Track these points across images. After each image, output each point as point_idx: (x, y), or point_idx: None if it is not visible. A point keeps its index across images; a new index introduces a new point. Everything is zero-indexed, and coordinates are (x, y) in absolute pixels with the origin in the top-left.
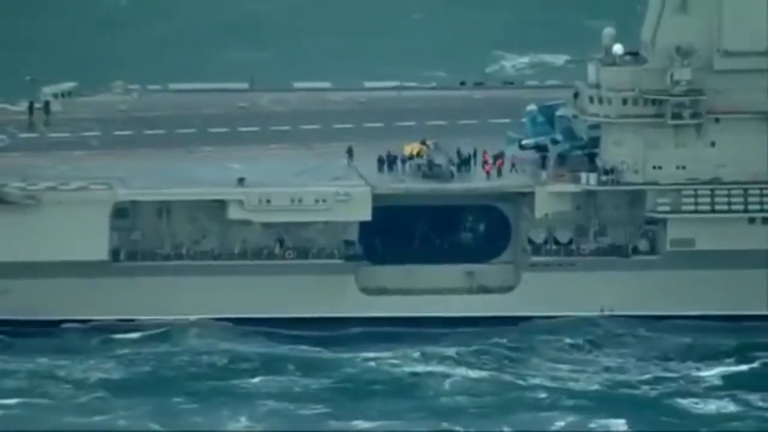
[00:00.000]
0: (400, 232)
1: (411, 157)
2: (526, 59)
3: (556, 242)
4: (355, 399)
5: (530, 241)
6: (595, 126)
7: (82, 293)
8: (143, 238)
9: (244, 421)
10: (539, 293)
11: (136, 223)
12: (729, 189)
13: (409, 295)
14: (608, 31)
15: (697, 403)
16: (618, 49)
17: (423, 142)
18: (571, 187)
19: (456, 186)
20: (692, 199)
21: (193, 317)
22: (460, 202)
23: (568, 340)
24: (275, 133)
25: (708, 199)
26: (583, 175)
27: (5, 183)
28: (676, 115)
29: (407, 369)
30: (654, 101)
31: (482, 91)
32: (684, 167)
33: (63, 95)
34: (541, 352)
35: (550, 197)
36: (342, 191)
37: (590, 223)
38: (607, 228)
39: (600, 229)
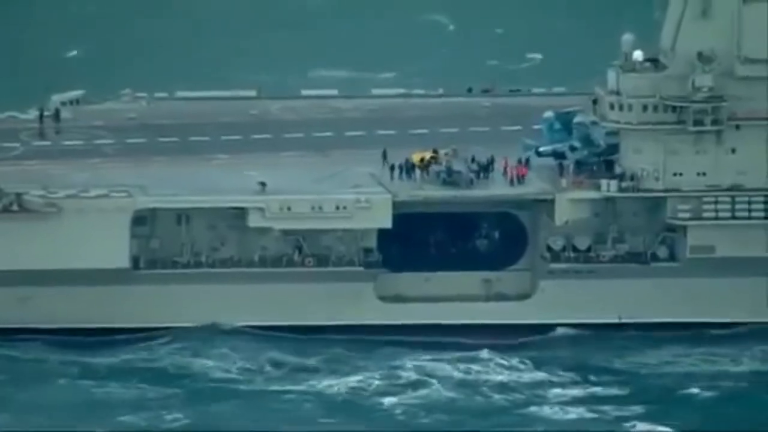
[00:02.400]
0: (416, 240)
1: (422, 165)
2: None
3: (575, 249)
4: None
5: (549, 248)
6: (613, 133)
7: (102, 301)
8: (162, 245)
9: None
10: (557, 300)
11: (155, 230)
12: (749, 196)
13: (427, 303)
14: (627, 37)
15: None
16: (638, 55)
17: (435, 151)
18: (592, 194)
19: (477, 193)
20: (713, 206)
21: (212, 324)
22: (476, 209)
23: None
24: (289, 140)
25: (728, 206)
26: (604, 182)
27: (25, 191)
28: (697, 122)
29: None
30: (675, 108)
31: (490, 99)
32: (704, 174)
33: (72, 103)
34: None
35: (570, 204)
36: (363, 198)
37: (609, 229)
38: (625, 235)
39: (618, 236)
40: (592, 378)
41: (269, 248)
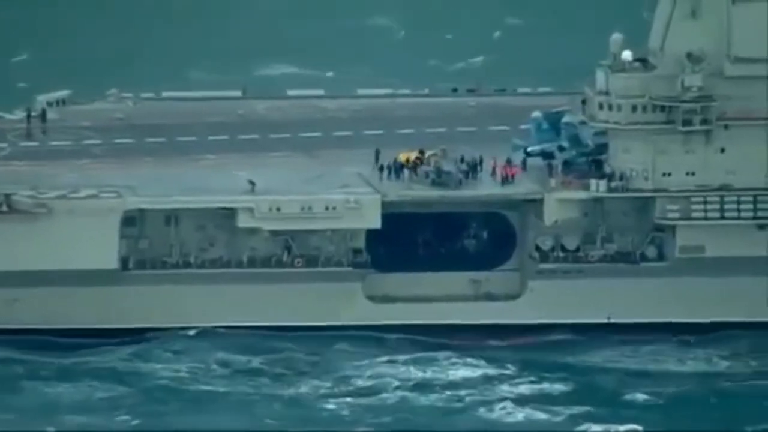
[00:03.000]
0: (405, 240)
1: (408, 165)
2: None
3: (564, 249)
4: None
5: (537, 248)
6: (601, 132)
7: (91, 302)
8: (151, 246)
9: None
10: (546, 301)
11: (143, 231)
12: (738, 196)
13: (415, 303)
14: (616, 37)
15: None
16: (627, 55)
17: (421, 151)
18: (581, 194)
19: (466, 193)
20: (702, 206)
21: (202, 325)
22: (464, 210)
23: None
24: (276, 140)
25: (717, 206)
26: (593, 182)
27: (14, 191)
28: (687, 122)
29: None
30: (663, 108)
31: (475, 98)
32: (693, 174)
33: (58, 103)
34: None
35: (559, 204)
36: (352, 199)
37: (597, 229)
38: (614, 235)
39: (607, 235)
40: (546, 376)
41: (258, 249)
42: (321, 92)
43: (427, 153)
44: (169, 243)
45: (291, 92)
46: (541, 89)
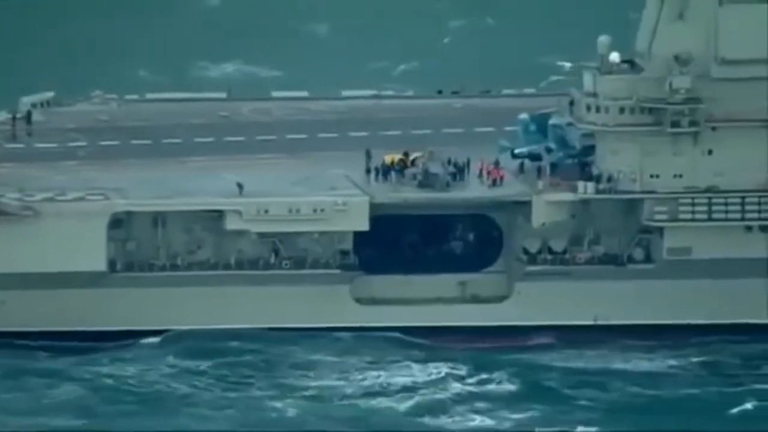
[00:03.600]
0: (392, 241)
1: (394, 167)
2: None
3: (551, 251)
4: None
5: (525, 251)
6: (588, 134)
7: (79, 304)
8: (138, 248)
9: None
10: (533, 303)
11: (131, 233)
12: (726, 197)
13: (403, 305)
14: (603, 39)
15: None
16: (615, 57)
17: (405, 154)
18: (569, 196)
19: (455, 195)
20: (689, 208)
21: (190, 328)
22: (451, 211)
23: None
24: (262, 142)
25: (705, 208)
26: (581, 184)
27: (2, 194)
28: (675, 124)
29: None
30: (651, 110)
31: (460, 100)
32: (681, 176)
33: (42, 105)
34: None
35: (547, 206)
36: (340, 201)
37: (585, 231)
38: (601, 236)
39: (594, 237)
40: (495, 378)
41: (245, 251)
42: (305, 93)
43: (412, 155)
44: (156, 245)
45: (275, 93)
46: (526, 90)
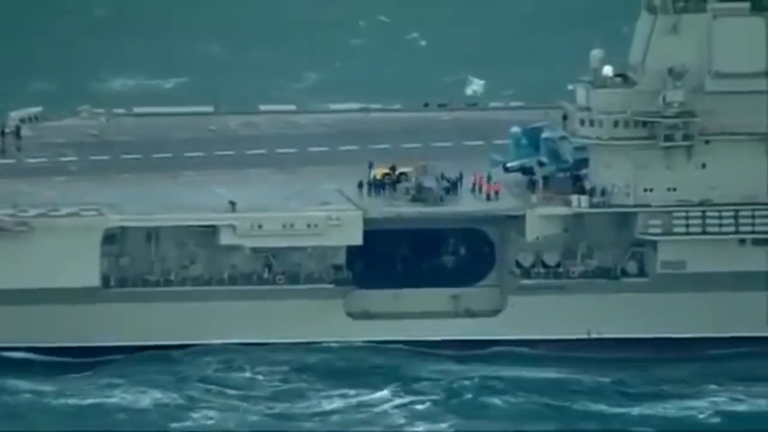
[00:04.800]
0: (385, 256)
1: (381, 181)
2: None
3: (544, 265)
4: None
5: (518, 265)
6: (581, 148)
7: (72, 320)
8: (131, 263)
9: None
10: (527, 317)
11: (124, 248)
12: (720, 211)
13: (396, 320)
14: (596, 53)
15: None
16: (608, 71)
17: (392, 168)
18: (563, 210)
19: (449, 209)
20: (683, 221)
21: (183, 343)
22: (443, 225)
23: None
24: (252, 157)
25: (699, 221)
26: (575, 198)
27: None
28: (668, 137)
29: None
30: (645, 123)
31: (447, 113)
32: (675, 189)
33: (30, 120)
34: None
35: (541, 220)
36: (334, 216)
37: (578, 245)
38: (594, 250)
39: (587, 251)
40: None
41: (239, 266)
42: (293, 107)
43: (401, 169)
44: (149, 260)
45: (263, 107)
46: (513, 103)
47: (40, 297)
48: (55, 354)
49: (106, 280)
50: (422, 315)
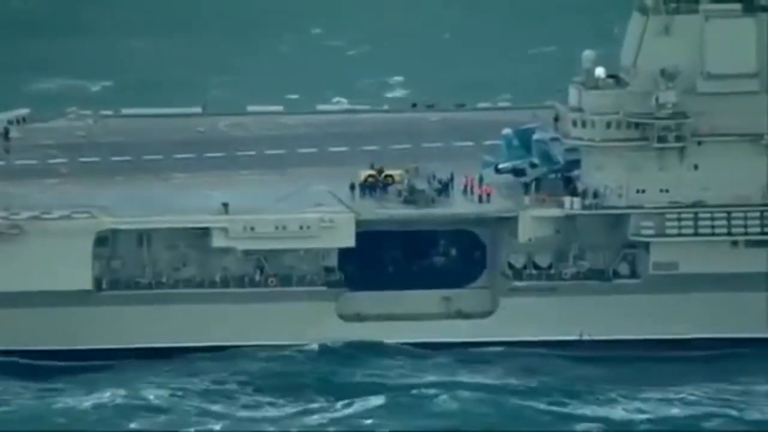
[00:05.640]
0: (377, 258)
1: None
2: None
3: (536, 267)
4: None
5: (510, 266)
6: (571, 149)
7: (65, 322)
8: (123, 266)
9: None
10: (518, 318)
11: (116, 251)
12: (712, 212)
13: (388, 321)
14: (588, 54)
15: None
16: (600, 72)
17: (379, 171)
18: (555, 212)
19: (441, 211)
20: (676, 223)
21: (175, 345)
22: (435, 227)
23: None
24: (243, 158)
25: (691, 223)
26: (567, 200)
27: None
28: (661, 139)
29: None
30: (638, 125)
31: (436, 114)
32: (667, 191)
33: (18, 121)
34: None
35: (533, 222)
36: (326, 218)
37: (570, 247)
38: (586, 252)
39: (579, 253)
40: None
41: (231, 268)
42: (280, 108)
43: (387, 171)
44: (141, 263)
45: (251, 108)
46: (501, 104)
47: (32, 300)
48: (47, 357)
49: (98, 283)
50: (414, 317)
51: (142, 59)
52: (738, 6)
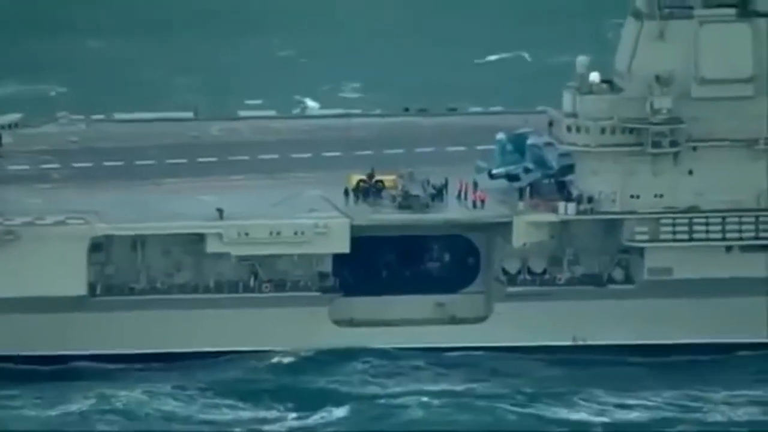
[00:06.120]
0: (371, 263)
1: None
2: None
3: (530, 272)
4: None
5: (504, 271)
6: (566, 154)
7: (59, 328)
8: (117, 272)
9: None
10: (513, 323)
11: (110, 257)
12: (707, 217)
13: (382, 327)
14: (582, 59)
15: None
16: (595, 77)
17: (370, 175)
18: (550, 217)
19: (436, 216)
20: (670, 228)
21: (169, 351)
22: (428, 233)
23: None
24: (236, 163)
25: (686, 228)
26: (561, 205)
27: None
28: (656, 144)
29: None
30: (632, 130)
31: (428, 118)
32: (662, 196)
33: (10, 126)
34: None
35: (528, 227)
36: (321, 223)
37: (564, 252)
38: (580, 257)
39: (574, 258)
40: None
41: (225, 274)
42: (273, 113)
43: (378, 177)
44: (135, 268)
45: (242, 113)
46: (493, 108)
47: (26, 305)
48: (40, 363)
49: (92, 289)
50: (408, 322)
51: (98, 60)
52: (732, 11)
